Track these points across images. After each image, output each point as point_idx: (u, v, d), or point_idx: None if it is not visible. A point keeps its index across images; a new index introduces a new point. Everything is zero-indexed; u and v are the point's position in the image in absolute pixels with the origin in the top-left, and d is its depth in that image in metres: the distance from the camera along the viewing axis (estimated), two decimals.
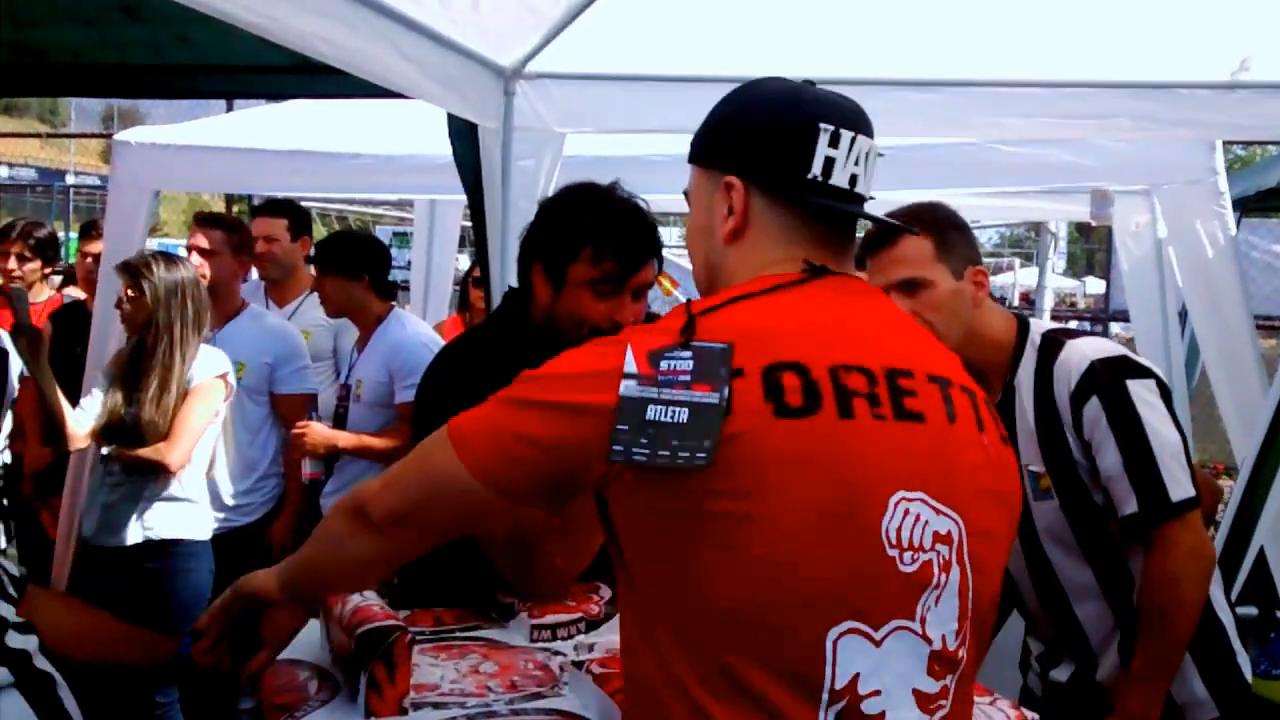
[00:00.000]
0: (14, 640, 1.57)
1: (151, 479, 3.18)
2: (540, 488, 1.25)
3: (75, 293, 5.02)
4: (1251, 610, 3.34)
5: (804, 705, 1.14)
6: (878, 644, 1.17)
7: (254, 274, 4.52)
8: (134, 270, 3.17)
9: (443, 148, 3.60)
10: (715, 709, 1.15)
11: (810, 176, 1.28)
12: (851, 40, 3.10)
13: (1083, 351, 2.05)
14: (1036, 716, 1.76)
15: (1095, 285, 15.09)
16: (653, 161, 3.88)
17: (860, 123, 1.31)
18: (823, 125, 1.27)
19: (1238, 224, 4.41)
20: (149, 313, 3.15)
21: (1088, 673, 2.15)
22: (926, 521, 1.19)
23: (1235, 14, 2.83)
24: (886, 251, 2.08)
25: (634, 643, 1.26)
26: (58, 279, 7.24)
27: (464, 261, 7.16)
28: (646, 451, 1.15)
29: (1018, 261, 12.90)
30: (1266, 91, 2.97)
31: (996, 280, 15.77)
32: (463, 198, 3.93)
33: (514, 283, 3.56)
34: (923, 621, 1.19)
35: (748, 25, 3.10)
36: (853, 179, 1.29)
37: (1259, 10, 2.79)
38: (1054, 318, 7.47)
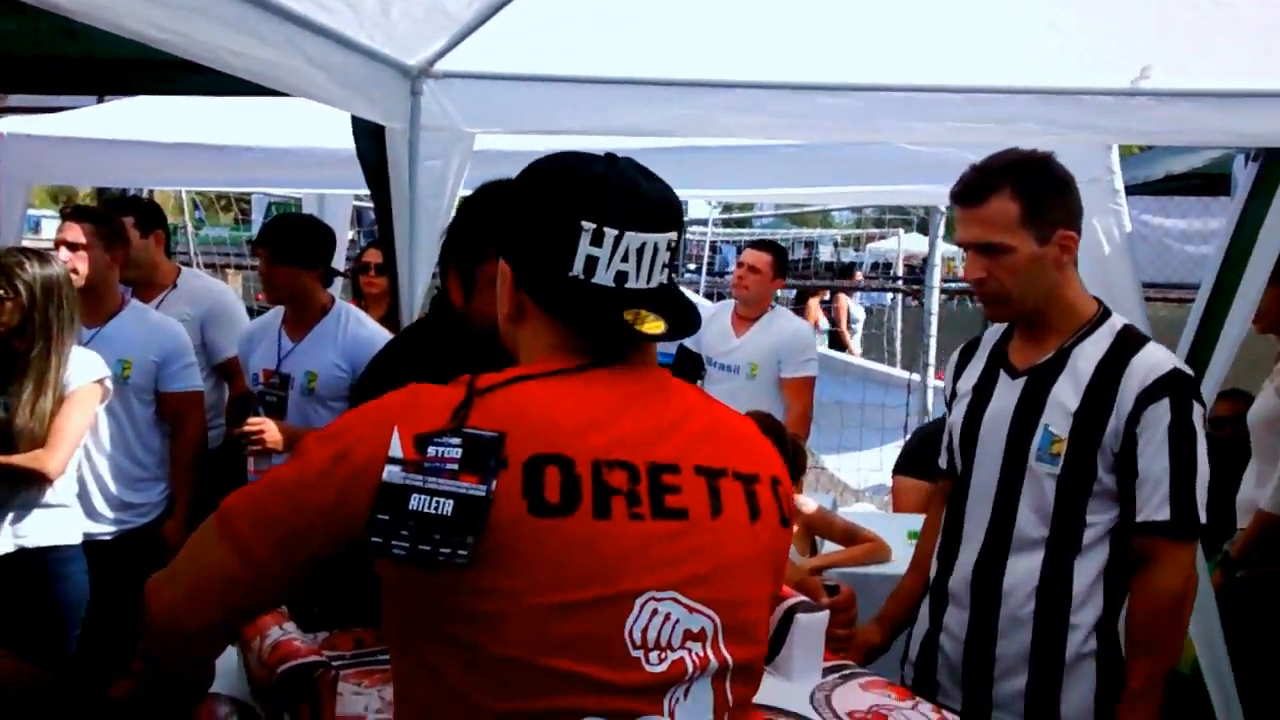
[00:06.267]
0: None
1: (24, 486, 3.01)
2: (315, 564, 1.23)
3: None
4: None
5: None
6: None
7: None
8: (6, 269, 2.96)
9: (336, 141, 3.51)
10: None
11: (572, 275, 1.24)
12: (763, 45, 3.09)
13: (1168, 356, 2.09)
14: (957, 718, 1.79)
15: None
16: None
17: (634, 215, 1.25)
18: (585, 224, 1.23)
19: None
20: (24, 314, 2.97)
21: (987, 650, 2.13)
22: (677, 620, 1.20)
23: (1136, 24, 2.90)
24: (973, 209, 2.08)
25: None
26: None
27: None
28: (406, 545, 1.14)
29: (901, 230, 13.25)
30: (1164, 98, 3.05)
31: (881, 246, 15.60)
32: (354, 191, 3.82)
33: (424, 284, 3.48)
34: (671, 714, 1.21)
35: (658, 28, 3.07)
36: (620, 275, 1.25)
37: (1158, 21, 2.87)
38: (942, 292, 7.62)
